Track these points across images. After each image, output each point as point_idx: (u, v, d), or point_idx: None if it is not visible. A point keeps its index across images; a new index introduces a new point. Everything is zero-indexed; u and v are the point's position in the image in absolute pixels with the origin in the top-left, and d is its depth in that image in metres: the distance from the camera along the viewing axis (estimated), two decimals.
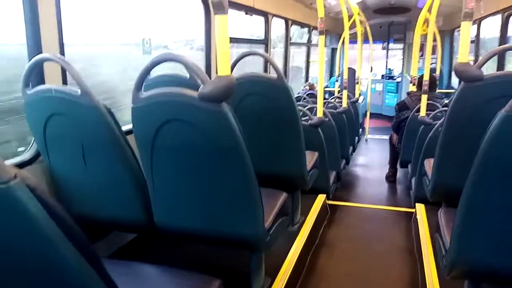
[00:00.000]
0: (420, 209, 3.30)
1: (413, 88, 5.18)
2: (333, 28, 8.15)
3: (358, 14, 5.85)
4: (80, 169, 1.87)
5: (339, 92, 6.86)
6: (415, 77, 5.14)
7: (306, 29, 7.12)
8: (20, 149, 2.26)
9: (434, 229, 2.03)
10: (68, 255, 0.78)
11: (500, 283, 1.68)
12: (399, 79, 9.90)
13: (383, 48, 10.30)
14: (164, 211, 1.85)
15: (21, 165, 1.98)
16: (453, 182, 1.76)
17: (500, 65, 4.82)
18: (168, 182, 1.77)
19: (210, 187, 1.70)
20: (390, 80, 10.05)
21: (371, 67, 8.13)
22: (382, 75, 10.25)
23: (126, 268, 1.58)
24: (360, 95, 6.88)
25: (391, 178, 4.98)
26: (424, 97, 3.76)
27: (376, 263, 2.83)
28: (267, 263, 2.18)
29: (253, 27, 5.08)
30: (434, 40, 5.47)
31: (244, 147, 1.59)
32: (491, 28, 5.63)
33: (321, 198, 3.54)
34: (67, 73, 2.01)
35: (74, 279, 0.82)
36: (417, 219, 3.21)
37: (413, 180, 3.79)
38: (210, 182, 1.69)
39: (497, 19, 5.01)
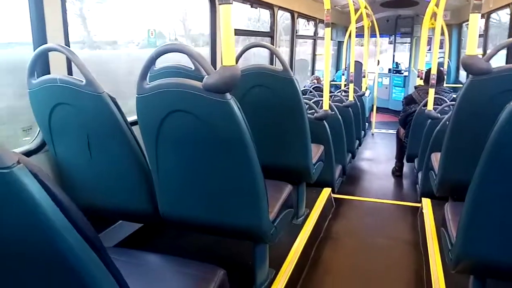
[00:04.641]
0: (426, 204, 3.28)
1: (420, 82, 5.13)
2: (339, 21, 8.08)
3: (365, 7, 5.79)
4: (85, 158, 1.87)
5: (345, 85, 6.82)
6: (423, 71, 5.09)
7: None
8: None
9: (440, 223, 2.02)
10: (71, 241, 0.78)
11: (505, 278, 1.67)
12: (406, 73, 9.82)
13: (390, 42, 10.20)
14: (169, 201, 1.85)
15: (26, 154, 1.98)
16: (460, 176, 1.75)
17: (510, 59, 4.75)
18: (173, 172, 1.76)
19: (215, 178, 1.70)
20: (397, 74, 9.97)
21: (378, 61, 8.07)
22: (389, 69, 10.16)
23: (131, 257, 1.58)
24: (366, 89, 6.83)
25: (397, 172, 4.95)
26: (431, 91, 3.70)
27: (381, 257, 2.82)
28: (272, 255, 2.18)
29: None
30: (442, 34, 5.40)
31: (249, 138, 1.58)
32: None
33: (326, 192, 3.53)
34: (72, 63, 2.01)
35: (77, 266, 0.81)
36: (423, 213, 3.19)
37: (419, 175, 3.76)
38: (215, 172, 1.68)
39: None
